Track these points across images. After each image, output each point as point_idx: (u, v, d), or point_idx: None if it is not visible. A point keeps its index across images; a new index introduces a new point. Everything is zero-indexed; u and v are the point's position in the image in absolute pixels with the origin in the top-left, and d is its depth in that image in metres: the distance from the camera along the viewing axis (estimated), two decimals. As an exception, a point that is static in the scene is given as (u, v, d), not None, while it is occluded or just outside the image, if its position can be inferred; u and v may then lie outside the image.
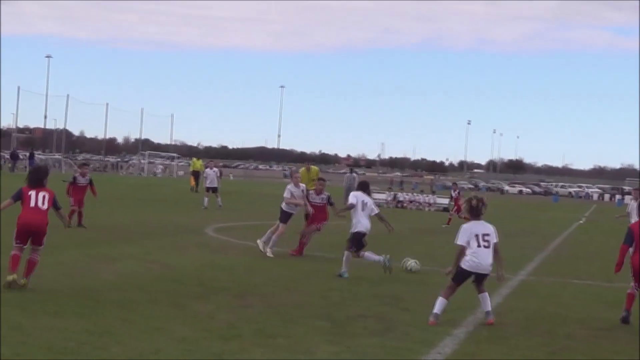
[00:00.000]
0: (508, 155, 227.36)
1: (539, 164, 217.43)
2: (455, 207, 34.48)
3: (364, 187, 15.64)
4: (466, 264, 10.62)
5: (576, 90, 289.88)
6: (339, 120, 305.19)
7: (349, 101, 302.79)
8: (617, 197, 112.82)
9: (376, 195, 52.33)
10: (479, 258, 10.55)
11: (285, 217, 17.58)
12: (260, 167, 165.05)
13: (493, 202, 61.73)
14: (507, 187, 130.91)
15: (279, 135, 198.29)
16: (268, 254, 16.89)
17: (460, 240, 10.67)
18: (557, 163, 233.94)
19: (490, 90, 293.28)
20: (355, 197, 15.12)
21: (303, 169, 24.80)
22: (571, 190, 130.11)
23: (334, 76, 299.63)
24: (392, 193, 53.85)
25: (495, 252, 10.75)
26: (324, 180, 19.23)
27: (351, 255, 14.77)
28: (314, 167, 25.12)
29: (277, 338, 8.89)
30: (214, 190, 34.33)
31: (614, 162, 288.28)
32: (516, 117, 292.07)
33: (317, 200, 17.93)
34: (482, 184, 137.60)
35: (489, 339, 9.61)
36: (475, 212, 10.82)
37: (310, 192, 18.27)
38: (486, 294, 10.81)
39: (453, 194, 36.23)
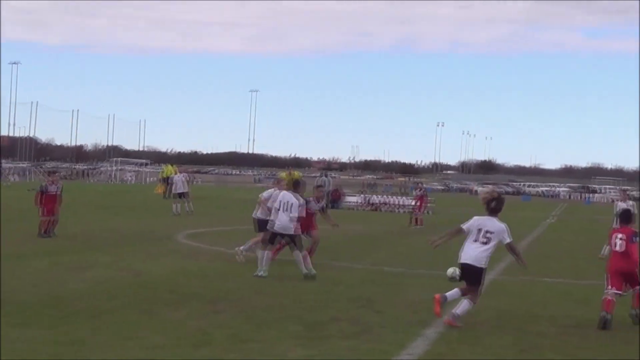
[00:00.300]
0: (479, 156, 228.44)
1: (510, 164, 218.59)
2: (419, 205, 34.91)
3: (295, 185, 15.84)
4: (460, 256, 10.84)
5: (545, 91, 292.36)
6: (312, 123, 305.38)
7: (322, 104, 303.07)
8: (586, 195, 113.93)
9: (349, 198, 52.46)
10: (467, 249, 10.77)
11: (262, 226, 17.11)
12: (233, 172, 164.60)
13: (465, 203, 62.09)
14: (478, 188, 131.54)
15: (250, 140, 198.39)
16: (239, 259, 16.70)
17: (464, 224, 10.93)
18: (528, 163, 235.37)
19: (462, 92, 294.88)
20: (278, 196, 15.28)
21: (285, 173, 24.94)
22: (541, 189, 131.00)
23: (307, 79, 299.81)
24: (364, 195, 53.99)
25: (512, 250, 10.98)
26: (323, 186, 19.42)
27: (270, 253, 14.88)
28: (296, 173, 25.26)
29: (249, 343, 8.87)
30: (183, 195, 34.25)
31: (581, 162, 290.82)
32: (487, 118, 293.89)
33: (317, 207, 17.91)
34: (453, 184, 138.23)
35: (460, 339, 9.65)
36: (487, 207, 10.95)
37: (311, 199, 18.05)
38: (466, 301, 10.67)
39: (417, 193, 36.37)
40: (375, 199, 52.00)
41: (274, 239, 15.02)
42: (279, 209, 14.90)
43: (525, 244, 26.00)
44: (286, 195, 15.11)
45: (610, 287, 11.11)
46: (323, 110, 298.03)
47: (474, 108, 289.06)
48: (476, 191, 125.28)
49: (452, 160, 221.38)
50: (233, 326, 9.76)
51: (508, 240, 10.83)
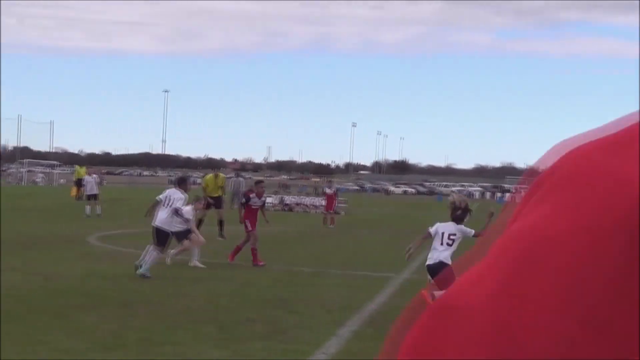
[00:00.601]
0: (393, 156, 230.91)
1: (423, 164, 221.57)
2: (327, 204, 35.06)
3: (179, 182, 16.59)
4: (428, 260, 11.39)
5: (458, 92, 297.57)
6: (225, 124, 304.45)
7: (235, 105, 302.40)
8: (498, 194, 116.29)
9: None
10: (434, 250, 11.31)
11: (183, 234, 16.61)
12: (145, 173, 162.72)
13: (378, 203, 62.49)
14: (392, 188, 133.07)
15: (163, 141, 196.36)
16: (167, 261, 16.36)
17: (430, 228, 11.55)
18: (441, 163, 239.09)
19: (375, 92, 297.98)
20: (164, 194, 15.88)
21: (210, 176, 24.83)
22: (454, 189, 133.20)
23: (220, 80, 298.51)
24: (278, 196, 54.06)
25: (478, 236, 11.51)
26: (263, 181, 20.08)
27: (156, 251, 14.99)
28: (222, 175, 25.24)
29: (163, 346, 8.82)
30: (95, 197, 33.77)
31: (494, 161, 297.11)
32: (400, 118, 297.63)
33: (259, 203, 18.15)
34: (367, 185, 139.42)
35: (373, 337, 9.76)
36: (453, 214, 11.69)
37: (252, 195, 18.20)
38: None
39: (328, 191, 36.44)
40: (289, 199, 52.17)
41: (160, 237, 15.17)
42: (163, 204, 15.32)
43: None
44: (171, 191, 15.70)
45: None
46: (236, 111, 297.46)
47: (388, 108, 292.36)
48: (390, 191, 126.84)
49: (366, 161, 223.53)
50: (146, 329, 9.68)
51: (473, 232, 11.59)
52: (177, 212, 15.38)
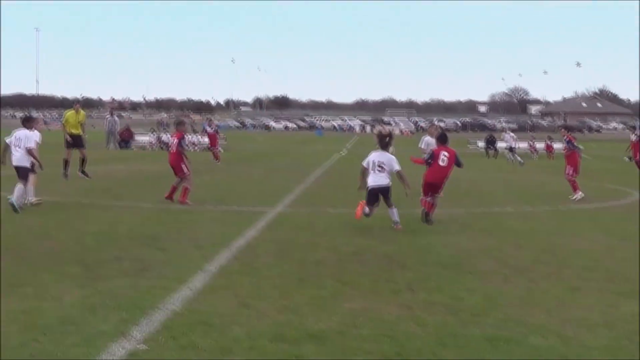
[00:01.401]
0: (273, 92, 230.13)
1: (304, 99, 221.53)
2: (210, 141, 35.22)
3: (25, 120, 16.48)
4: (367, 184, 13.63)
5: (339, 28, 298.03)
6: (101, 62, 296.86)
7: (111, 42, 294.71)
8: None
9: (140, 137, 51.63)
10: (373, 178, 13.59)
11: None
12: (19, 115, 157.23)
13: (258, 139, 62.55)
14: (272, 123, 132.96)
15: (37, 81, 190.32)
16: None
17: (364, 162, 13.87)
18: (322, 98, 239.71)
19: (254, 29, 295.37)
20: (11, 135, 16.05)
21: (71, 111, 23.97)
22: (334, 123, 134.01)
23: (93, 17, 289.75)
24: (155, 134, 53.32)
25: (401, 177, 13.70)
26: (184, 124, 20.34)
27: (22, 187, 15.62)
28: (83, 111, 24.43)
29: (24, 287, 8.62)
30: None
31: (375, 95, 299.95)
32: (281, 54, 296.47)
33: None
34: (248, 121, 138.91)
35: (240, 271, 9.78)
36: (380, 144, 13.89)
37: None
38: (393, 209, 13.61)
39: (208, 129, 36.11)
40: (167, 137, 51.51)
41: (21, 173, 15.82)
42: (14, 146, 15.82)
43: (314, 177, 26.64)
44: (19, 132, 15.99)
45: (424, 195, 14.67)
46: (113, 48, 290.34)
47: (266, 44, 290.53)
48: (271, 127, 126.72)
49: (247, 98, 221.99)
50: (7, 272, 9.40)
51: (397, 168, 13.66)
52: (29, 151, 15.78)
